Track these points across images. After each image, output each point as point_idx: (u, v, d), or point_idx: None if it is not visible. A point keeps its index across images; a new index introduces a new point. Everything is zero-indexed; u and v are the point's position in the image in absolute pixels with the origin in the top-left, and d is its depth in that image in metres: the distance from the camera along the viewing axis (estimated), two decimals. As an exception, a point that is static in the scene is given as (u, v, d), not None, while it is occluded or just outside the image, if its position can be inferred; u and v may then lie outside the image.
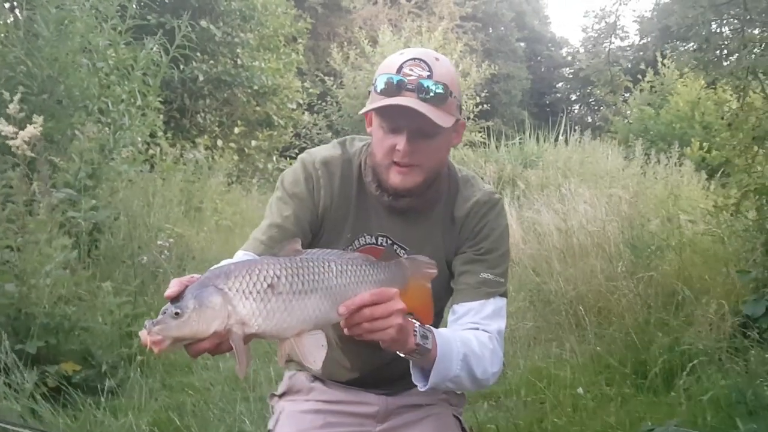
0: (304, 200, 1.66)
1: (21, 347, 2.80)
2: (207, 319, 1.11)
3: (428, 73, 1.52)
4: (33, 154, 3.09)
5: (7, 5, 6.13)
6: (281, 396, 1.90)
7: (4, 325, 2.81)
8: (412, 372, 1.49)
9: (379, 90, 1.54)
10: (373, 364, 1.82)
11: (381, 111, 1.56)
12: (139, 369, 3.19)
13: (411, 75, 1.52)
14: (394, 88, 1.52)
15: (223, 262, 1.61)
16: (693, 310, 3.61)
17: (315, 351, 1.21)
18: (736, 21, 4.02)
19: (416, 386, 1.74)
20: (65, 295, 3.21)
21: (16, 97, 3.04)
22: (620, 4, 4.16)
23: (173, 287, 1.15)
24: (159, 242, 4.59)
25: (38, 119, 2.98)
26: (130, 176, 5.25)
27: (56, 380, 2.87)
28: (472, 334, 1.56)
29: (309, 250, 1.27)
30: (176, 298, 1.14)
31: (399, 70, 1.53)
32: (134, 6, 5.45)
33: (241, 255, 1.56)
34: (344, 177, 1.69)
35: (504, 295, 1.67)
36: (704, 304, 3.54)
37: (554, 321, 4.07)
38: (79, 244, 3.81)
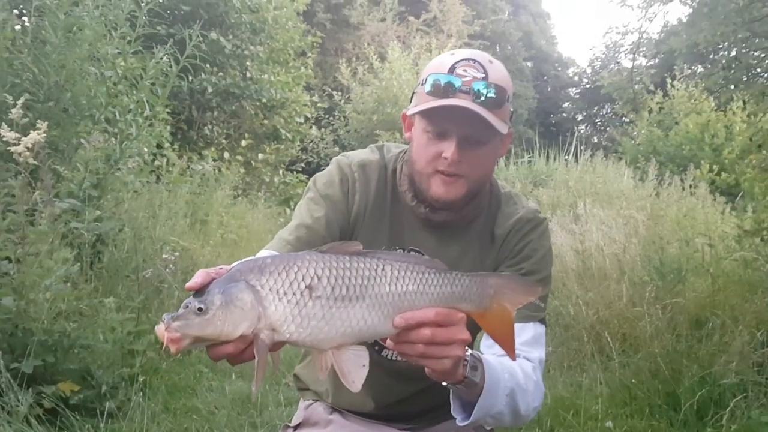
0: (337, 203, 1.52)
1: (16, 366, 2.63)
2: (234, 319, 0.95)
3: (483, 75, 1.38)
4: (36, 162, 2.95)
5: (15, 12, 6.05)
6: (296, 428, 1.75)
7: (0, 342, 2.64)
8: (451, 403, 1.33)
9: (427, 91, 1.40)
10: (398, 395, 1.68)
11: (429, 114, 1.42)
12: (140, 390, 3.01)
13: (465, 76, 1.38)
14: (447, 89, 1.38)
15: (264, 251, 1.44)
16: (721, 337, 3.44)
17: (354, 370, 1.03)
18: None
19: (442, 422, 1.58)
20: (65, 310, 3.05)
21: (19, 102, 2.90)
22: (645, 20, 4.05)
23: (198, 278, 0.99)
24: (164, 256, 4.43)
25: (42, 125, 2.83)
26: (136, 187, 5.11)
27: (53, 402, 2.69)
28: (516, 363, 1.40)
29: (369, 250, 1.08)
30: (200, 291, 0.97)
31: (451, 70, 1.39)
32: (144, 15, 5.33)
33: (265, 255, 1.42)
34: (380, 184, 1.56)
35: (543, 321, 1.53)
36: (735, 333, 3.37)
37: (575, 347, 3.90)
38: (81, 256, 3.66)
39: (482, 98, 1.36)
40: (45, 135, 2.82)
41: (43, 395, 2.68)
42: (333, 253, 1.04)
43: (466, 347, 1.19)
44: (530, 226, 1.57)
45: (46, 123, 2.89)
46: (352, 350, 1.04)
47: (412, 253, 1.53)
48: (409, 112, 1.48)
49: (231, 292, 0.96)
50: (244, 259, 1.07)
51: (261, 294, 0.97)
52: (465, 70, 1.38)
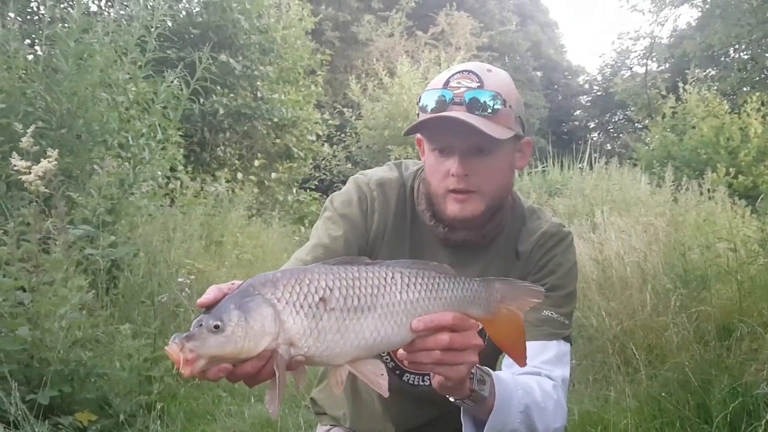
0: (355, 223, 1.47)
1: (33, 397, 2.60)
2: (255, 335, 0.90)
3: (477, 84, 1.35)
4: (47, 190, 2.93)
5: (27, 42, 6.11)
6: (315, 455, 1.72)
7: (15, 373, 2.60)
8: (463, 422, 1.28)
9: (425, 109, 1.38)
10: (419, 420, 1.64)
11: (428, 131, 1.39)
12: (158, 418, 2.97)
13: (459, 88, 1.35)
14: (440, 103, 1.35)
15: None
16: (751, 345, 3.34)
17: (376, 378, 1.00)
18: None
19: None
20: (81, 338, 3.02)
21: (30, 130, 2.89)
22: (657, 24, 3.99)
23: (210, 294, 0.94)
24: (180, 279, 4.40)
25: (53, 153, 2.82)
26: (150, 211, 5.11)
27: (70, 432, 2.66)
28: (534, 381, 1.34)
29: (377, 261, 1.05)
30: (210, 309, 0.92)
31: (446, 84, 1.37)
32: (154, 40, 5.36)
33: None
34: (400, 202, 1.51)
35: (568, 339, 1.47)
36: (764, 339, 3.28)
37: (599, 359, 3.80)
38: (96, 283, 3.64)
39: (479, 106, 1.33)
40: (56, 163, 2.81)
41: (60, 426, 2.64)
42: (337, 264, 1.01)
43: None
44: (554, 240, 1.53)
45: (57, 151, 2.88)
46: (368, 363, 1.01)
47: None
48: (404, 132, 1.46)
49: (249, 307, 0.91)
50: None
51: (278, 308, 0.93)
52: (459, 82, 1.36)
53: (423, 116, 1.38)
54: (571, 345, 1.48)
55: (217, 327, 0.89)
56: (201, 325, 0.90)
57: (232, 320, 0.90)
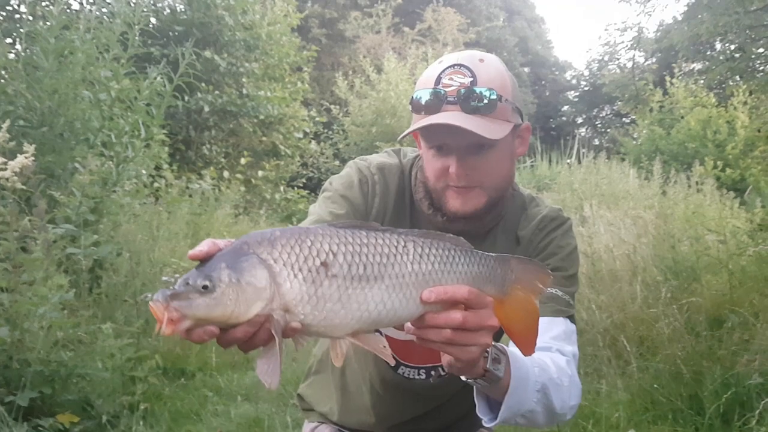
0: (356, 205, 1.44)
1: (12, 399, 2.53)
2: (247, 298, 0.82)
3: (471, 79, 1.30)
4: (25, 188, 2.85)
5: (8, 40, 6.01)
6: (302, 455, 1.68)
7: (-6, 375, 2.54)
8: (476, 402, 1.22)
9: (416, 108, 1.34)
10: (411, 414, 1.60)
11: (423, 131, 1.34)
12: (142, 419, 2.90)
13: (451, 85, 1.30)
14: (433, 104, 1.31)
15: None
16: (742, 335, 3.33)
17: (380, 349, 0.92)
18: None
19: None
20: (62, 339, 2.94)
21: (4, 125, 2.81)
22: (645, 14, 3.98)
23: (204, 246, 0.85)
24: (164, 278, 4.32)
25: (29, 148, 2.74)
26: (134, 210, 5.02)
27: (51, 435, 2.59)
28: (548, 357, 1.29)
29: (388, 227, 0.96)
30: (201, 265, 0.84)
31: (437, 81, 1.32)
32: (136, 36, 5.27)
33: None
34: (400, 188, 1.49)
35: (573, 320, 1.43)
36: (755, 329, 3.26)
37: (590, 352, 3.77)
38: (78, 282, 3.56)
39: (474, 104, 1.29)
40: (33, 158, 2.73)
41: (40, 428, 2.58)
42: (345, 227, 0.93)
43: None
44: (554, 224, 1.51)
45: (34, 146, 2.80)
46: (368, 336, 0.94)
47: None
48: (400, 136, 1.42)
49: (242, 267, 0.83)
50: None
51: (275, 270, 0.85)
52: (451, 78, 1.31)
53: (416, 118, 1.35)
54: (575, 326, 1.44)
55: (205, 287, 0.82)
56: (188, 283, 0.83)
57: (223, 281, 0.82)
